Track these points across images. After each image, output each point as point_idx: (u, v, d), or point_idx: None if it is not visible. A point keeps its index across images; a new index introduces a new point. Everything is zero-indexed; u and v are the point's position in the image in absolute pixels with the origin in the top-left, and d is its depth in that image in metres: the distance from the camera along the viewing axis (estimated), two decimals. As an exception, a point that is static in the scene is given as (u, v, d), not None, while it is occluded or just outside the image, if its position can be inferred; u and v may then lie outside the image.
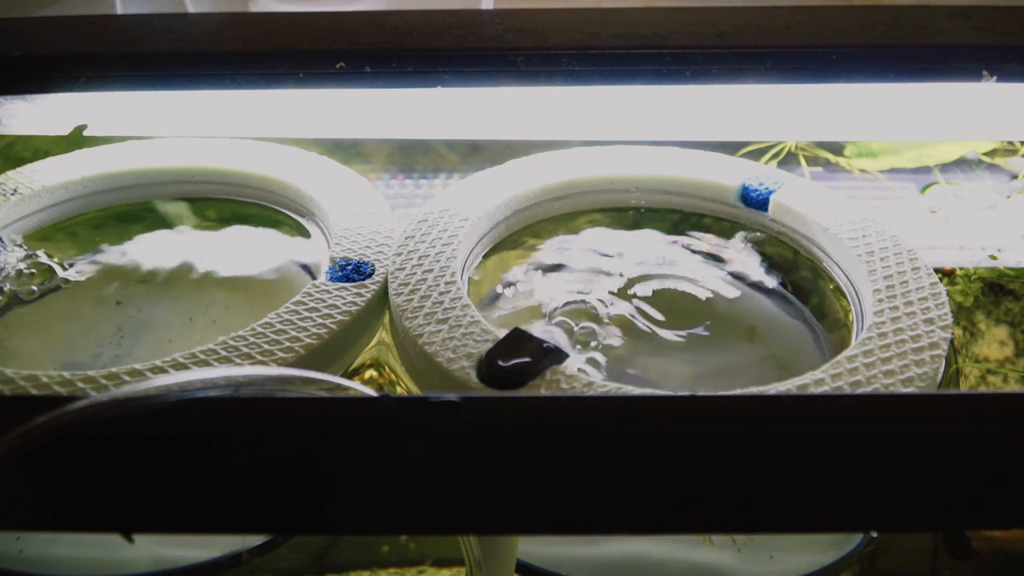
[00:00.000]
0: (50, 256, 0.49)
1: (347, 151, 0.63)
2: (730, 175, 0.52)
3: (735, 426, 0.28)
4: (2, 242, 0.49)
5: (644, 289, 0.48)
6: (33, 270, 0.47)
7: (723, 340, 0.45)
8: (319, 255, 0.50)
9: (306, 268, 0.50)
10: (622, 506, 0.30)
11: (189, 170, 0.55)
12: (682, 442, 0.28)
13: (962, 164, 0.63)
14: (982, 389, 0.47)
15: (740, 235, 0.52)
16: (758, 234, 0.51)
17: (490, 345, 0.39)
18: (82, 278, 0.49)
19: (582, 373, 0.38)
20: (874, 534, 0.46)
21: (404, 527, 0.36)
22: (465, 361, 0.38)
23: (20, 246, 0.48)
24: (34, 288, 0.46)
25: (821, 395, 0.35)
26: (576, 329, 0.44)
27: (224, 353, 0.39)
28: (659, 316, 0.46)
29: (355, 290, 0.43)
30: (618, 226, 0.53)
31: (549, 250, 0.51)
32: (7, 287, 0.46)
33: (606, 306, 0.46)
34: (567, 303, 0.46)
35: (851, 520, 0.31)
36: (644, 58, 0.52)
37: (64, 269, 0.48)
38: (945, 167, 0.62)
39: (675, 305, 0.47)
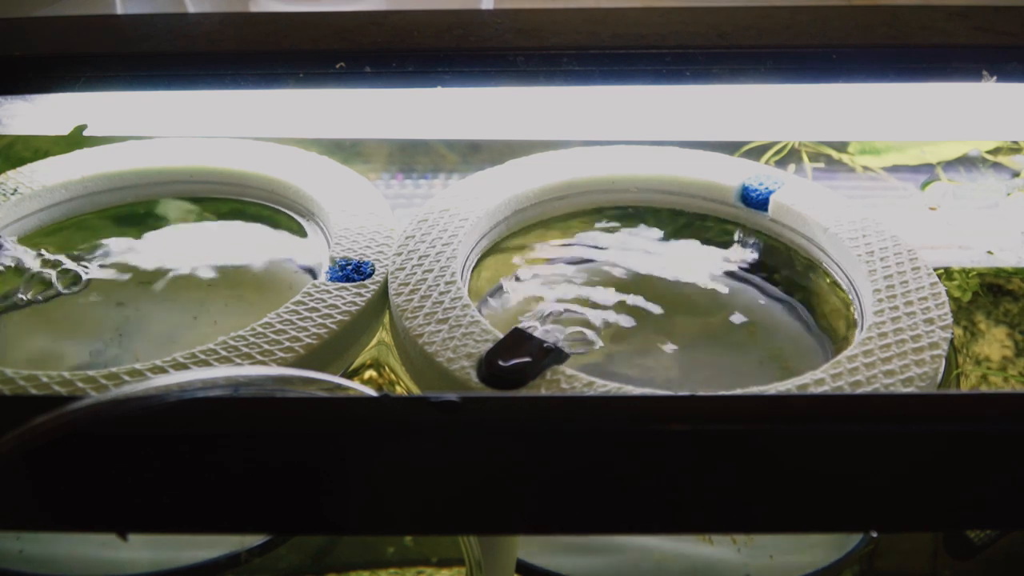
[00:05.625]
0: (73, 259, 0.49)
1: (347, 151, 0.63)
2: (730, 175, 0.52)
3: (735, 426, 0.28)
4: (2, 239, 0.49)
5: (643, 289, 0.47)
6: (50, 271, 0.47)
7: (723, 340, 0.45)
8: (319, 255, 0.50)
9: (306, 268, 0.50)
10: (622, 506, 0.30)
11: (189, 170, 0.55)
12: (682, 442, 0.28)
13: (965, 162, 0.62)
14: (982, 389, 0.47)
15: (739, 236, 0.52)
16: (757, 234, 0.52)
17: (490, 345, 0.39)
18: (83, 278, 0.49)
19: (580, 373, 0.38)
20: (874, 534, 0.46)
21: (404, 527, 0.36)
22: (465, 361, 0.38)
23: (39, 254, 0.48)
24: (57, 286, 0.46)
25: (821, 395, 0.35)
26: (575, 328, 0.44)
27: (224, 353, 0.39)
28: (658, 316, 0.46)
29: (355, 290, 0.43)
30: (618, 226, 0.53)
31: (549, 250, 0.51)
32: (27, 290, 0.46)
33: (605, 306, 0.46)
34: (567, 302, 0.46)
35: (851, 520, 0.31)
36: (644, 58, 0.52)
37: (87, 271, 0.48)
38: (948, 165, 0.62)
39: (674, 305, 0.47)
